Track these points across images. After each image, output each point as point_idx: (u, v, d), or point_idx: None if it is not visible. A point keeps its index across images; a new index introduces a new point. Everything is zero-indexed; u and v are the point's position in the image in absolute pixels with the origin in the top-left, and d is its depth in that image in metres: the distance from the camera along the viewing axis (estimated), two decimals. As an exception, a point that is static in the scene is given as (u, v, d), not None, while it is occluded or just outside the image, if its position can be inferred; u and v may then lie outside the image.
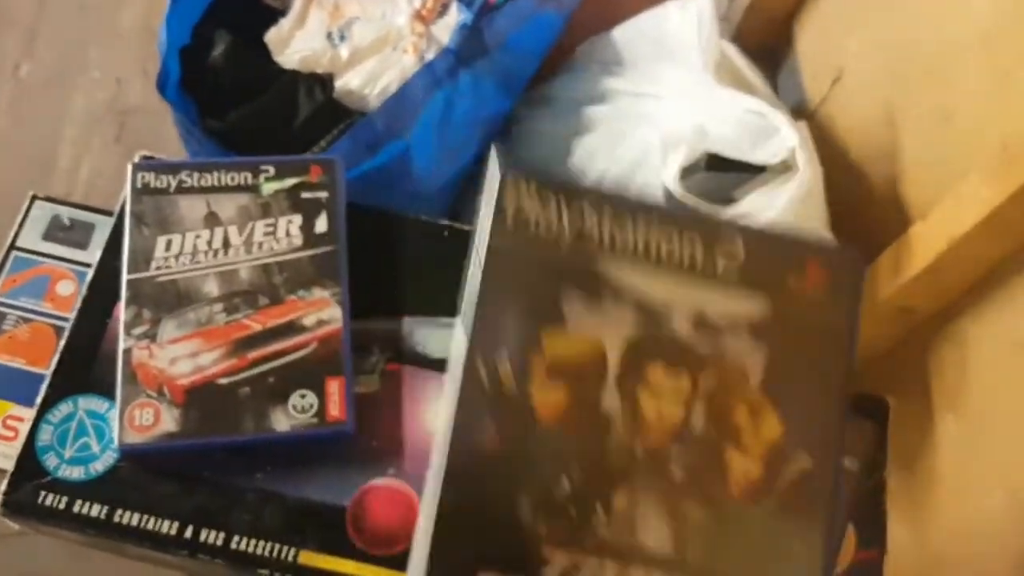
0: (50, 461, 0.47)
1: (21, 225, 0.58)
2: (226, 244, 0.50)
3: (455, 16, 0.94)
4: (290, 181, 0.52)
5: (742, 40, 1.07)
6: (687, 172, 0.77)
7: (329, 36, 0.91)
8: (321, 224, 0.51)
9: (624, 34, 0.90)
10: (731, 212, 0.74)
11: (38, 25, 1.10)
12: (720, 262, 0.32)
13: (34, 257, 0.57)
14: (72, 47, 1.10)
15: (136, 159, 0.54)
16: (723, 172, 0.81)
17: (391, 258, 0.53)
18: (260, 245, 0.50)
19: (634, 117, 0.82)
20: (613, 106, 0.85)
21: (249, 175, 0.52)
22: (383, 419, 0.49)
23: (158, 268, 0.49)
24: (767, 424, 0.31)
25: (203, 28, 0.90)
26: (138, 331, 0.48)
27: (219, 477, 0.47)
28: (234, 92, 0.88)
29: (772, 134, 0.76)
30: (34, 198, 0.58)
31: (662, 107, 0.80)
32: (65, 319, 0.56)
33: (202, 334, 0.48)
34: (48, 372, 0.48)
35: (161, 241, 0.50)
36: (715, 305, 0.32)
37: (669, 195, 0.75)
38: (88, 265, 0.56)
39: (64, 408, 0.48)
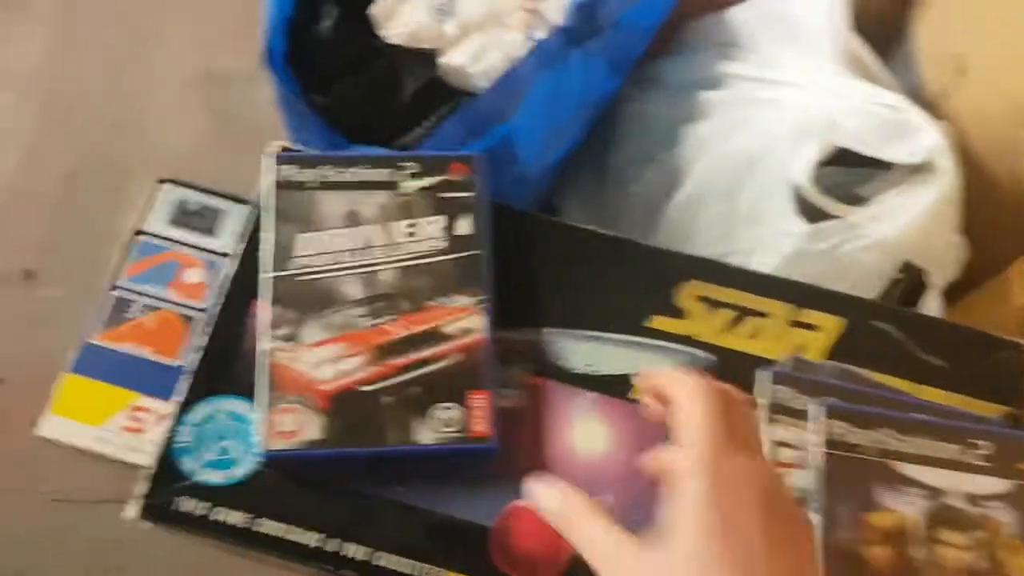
0: (189, 465, 0.46)
1: (148, 209, 0.56)
2: (367, 244, 0.48)
3: (564, -7, 0.90)
4: (432, 179, 0.49)
5: (856, 27, 1.02)
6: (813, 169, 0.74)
7: (436, 10, 0.88)
8: (464, 226, 0.49)
9: (744, 15, 0.86)
10: (863, 212, 0.71)
11: (126, -12, 1.09)
12: (973, 457, 0.46)
13: (161, 243, 0.55)
14: (159, 12, 1.09)
15: (276, 150, 0.51)
16: (844, 167, 0.77)
17: (532, 264, 0.50)
18: (401, 246, 0.48)
19: (755, 104, 0.79)
20: (730, 91, 0.82)
21: (391, 171, 0.50)
22: (527, 436, 0.47)
23: (300, 267, 0.47)
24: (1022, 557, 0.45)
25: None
26: (281, 332, 0.46)
27: (360, 488, 0.46)
28: (338, 66, 0.86)
29: (909, 131, 0.72)
30: (160, 181, 0.57)
31: (787, 95, 0.76)
32: (192, 307, 0.54)
33: (345, 338, 0.46)
34: (187, 370, 0.47)
35: (302, 239, 0.48)
36: (976, 486, 0.45)
37: (797, 191, 0.71)
38: (217, 253, 0.55)
39: (203, 409, 0.47)
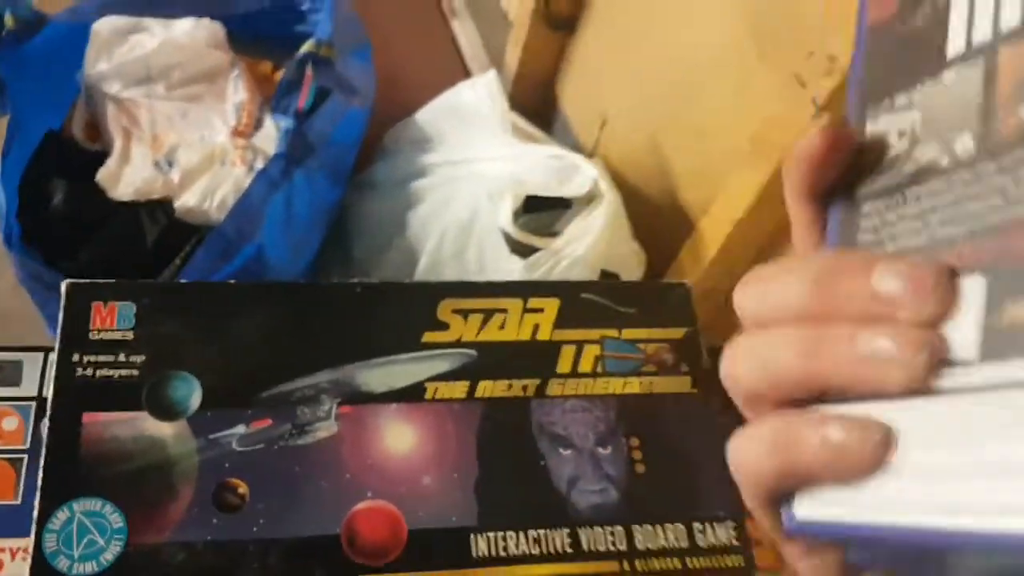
0: (62, 564, 0.50)
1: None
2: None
3: (270, 127, 1.03)
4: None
5: (515, 108, 1.23)
6: (514, 218, 0.90)
7: (157, 164, 0.97)
8: None
9: (426, 116, 1.03)
10: (561, 240, 0.88)
11: None
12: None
13: (-28, 405, 0.59)
14: None
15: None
16: (539, 212, 0.95)
17: (322, 320, 0.60)
18: None
19: (458, 181, 0.95)
20: (435, 177, 0.98)
21: None
22: (350, 454, 0.56)
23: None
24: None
25: (33, 181, 0.94)
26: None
27: (219, 537, 0.52)
28: (80, 233, 0.92)
29: (574, 172, 0.91)
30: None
31: (480, 168, 0.93)
32: (17, 451, 0.59)
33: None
34: (38, 487, 0.51)
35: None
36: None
37: (507, 236, 0.87)
38: (25, 399, 0.60)
39: (61, 515, 0.51)
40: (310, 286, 0.62)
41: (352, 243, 1.01)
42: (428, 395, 0.59)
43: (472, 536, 0.55)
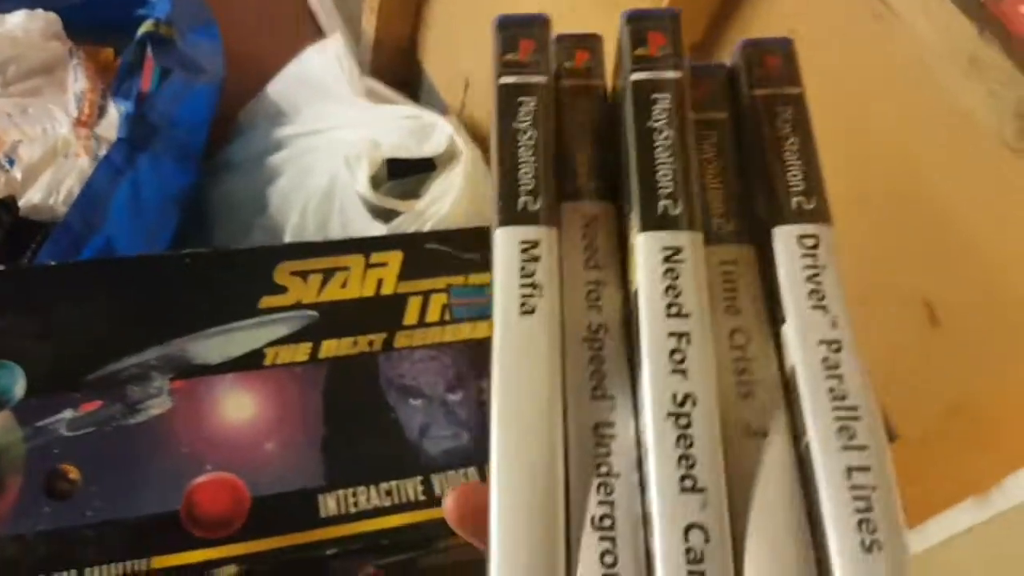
0: None
1: None
2: None
3: (114, 115, 0.99)
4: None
5: (378, 75, 1.21)
6: (376, 184, 0.89)
7: (-4, 163, 0.93)
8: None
9: (277, 88, 1.00)
10: (422, 202, 0.87)
11: None
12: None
13: None
14: None
15: None
16: (406, 177, 0.94)
17: (149, 295, 0.58)
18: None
19: (315, 151, 0.93)
20: (291, 150, 0.95)
21: None
22: (186, 429, 0.54)
23: None
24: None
25: None
26: None
27: (51, 526, 0.50)
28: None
29: (431, 130, 0.89)
30: None
31: (336, 135, 0.91)
32: None
33: None
34: None
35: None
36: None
37: (367, 201, 0.86)
38: None
39: None
40: (133, 260, 0.59)
41: (213, 227, 0.98)
42: (268, 361, 0.57)
43: (320, 496, 0.53)
